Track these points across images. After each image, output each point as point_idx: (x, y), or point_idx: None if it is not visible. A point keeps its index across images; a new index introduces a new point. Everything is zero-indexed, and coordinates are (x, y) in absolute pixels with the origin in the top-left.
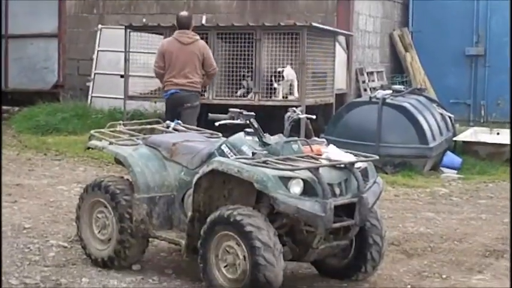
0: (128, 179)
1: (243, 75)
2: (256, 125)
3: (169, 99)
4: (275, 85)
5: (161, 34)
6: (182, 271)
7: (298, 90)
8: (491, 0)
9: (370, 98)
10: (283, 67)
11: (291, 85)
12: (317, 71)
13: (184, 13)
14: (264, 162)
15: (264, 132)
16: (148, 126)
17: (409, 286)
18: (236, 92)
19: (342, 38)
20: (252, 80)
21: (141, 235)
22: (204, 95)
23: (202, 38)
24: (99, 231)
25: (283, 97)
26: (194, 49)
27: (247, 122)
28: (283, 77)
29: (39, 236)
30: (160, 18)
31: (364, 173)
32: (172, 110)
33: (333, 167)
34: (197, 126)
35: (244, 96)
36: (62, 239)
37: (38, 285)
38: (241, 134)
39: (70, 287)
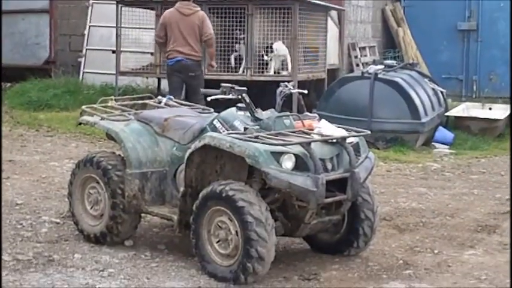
0: (119, 155)
1: (236, 38)
2: (248, 100)
3: (174, 66)
4: (265, 57)
5: (152, 9)
6: (175, 246)
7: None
8: None
9: (362, 73)
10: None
11: (283, 60)
12: (309, 46)
13: None
14: (256, 137)
15: (256, 107)
16: (140, 102)
17: (401, 261)
18: (229, 60)
19: (334, 13)
20: (244, 44)
21: (134, 211)
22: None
23: None
24: (92, 207)
25: (275, 72)
26: (194, 19)
27: (239, 96)
28: (271, 50)
29: (32, 212)
30: None
31: (356, 148)
32: (176, 77)
33: (325, 142)
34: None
35: (236, 62)
36: (54, 215)
37: (30, 261)
38: (233, 109)
39: (63, 263)
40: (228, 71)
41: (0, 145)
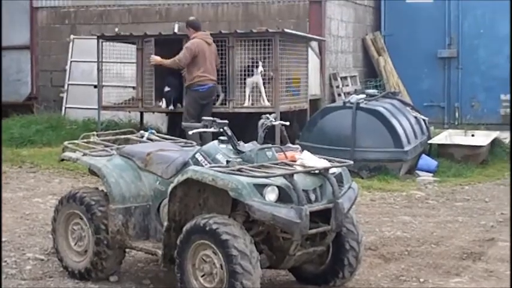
0: (102, 190)
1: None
2: (230, 133)
3: (205, 92)
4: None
5: (133, 43)
6: (160, 281)
7: (270, 96)
8: (463, 1)
9: (344, 102)
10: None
11: (256, 88)
12: (290, 77)
13: (193, 17)
14: (239, 170)
15: (238, 140)
16: (123, 136)
17: None
18: None
19: (314, 44)
20: (223, 85)
21: (118, 246)
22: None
23: (174, 46)
24: (76, 243)
25: (252, 104)
26: (213, 49)
27: (221, 130)
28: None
29: (16, 249)
30: (132, 28)
31: (339, 178)
32: (199, 104)
33: (308, 173)
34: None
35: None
36: (38, 251)
37: None
38: (215, 142)
39: None
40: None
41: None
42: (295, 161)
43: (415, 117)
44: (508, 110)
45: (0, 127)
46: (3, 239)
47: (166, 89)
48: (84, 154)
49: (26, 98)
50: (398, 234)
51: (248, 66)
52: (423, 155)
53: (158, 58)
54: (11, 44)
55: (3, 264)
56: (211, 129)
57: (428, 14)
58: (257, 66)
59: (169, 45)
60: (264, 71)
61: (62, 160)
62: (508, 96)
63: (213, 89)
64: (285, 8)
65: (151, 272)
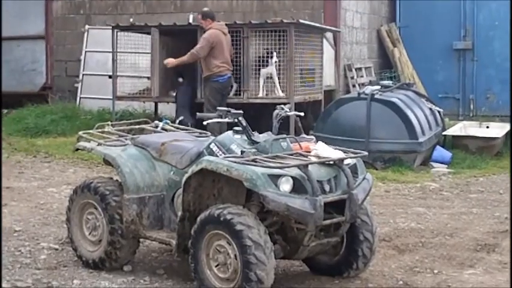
0: (117, 180)
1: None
2: (244, 123)
3: (225, 82)
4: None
5: (148, 33)
6: (173, 271)
7: (284, 87)
8: None
9: (359, 94)
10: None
11: (270, 78)
12: (305, 68)
13: (207, 8)
14: (253, 160)
15: (253, 131)
16: (137, 126)
17: (400, 282)
18: None
19: (329, 35)
20: (237, 76)
21: (132, 236)
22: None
23: (188, 37)
24: (90, 233)
25: (266, 95)
26: (228, 39)
27: (236, 120)
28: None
29: (30, 238)
30: (147, 18)
31: (354, 169)
32: (220, 94)
33: (322, 164)
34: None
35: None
36: (52, 241)
37: None
38: (230, 132)
39: None
40: None
41: (0, 168)
42: (309, 152)
43: (430, 109)
44: None
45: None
46: (18, 229)
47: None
48: (99, 144)
49: (40, 88)
50: (412, 226)
51: (262, 56)
52: (438, 147)
53: (172, 60)
54: (26, 34)
55: (17, 253)
56: (226, 120)
57: (444, 6)
58: (271, 57)
59: (183, 35)
60: (279, 61)
61: (77, 150)
62: None
63: (230, 79)
64: None
65: (165, 262)
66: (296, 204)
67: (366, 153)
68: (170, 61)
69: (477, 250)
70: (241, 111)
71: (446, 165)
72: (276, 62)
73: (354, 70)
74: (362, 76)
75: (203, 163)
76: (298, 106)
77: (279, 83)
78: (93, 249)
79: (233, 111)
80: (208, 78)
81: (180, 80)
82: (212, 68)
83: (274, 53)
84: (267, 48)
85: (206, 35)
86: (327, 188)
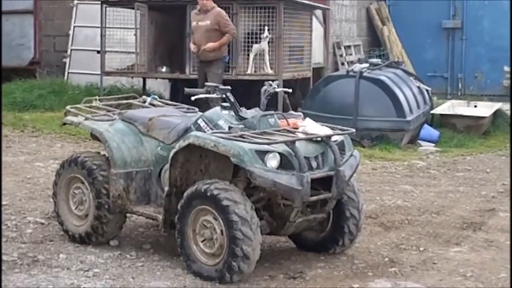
0: (104, 155)
1: None
2: (232, 99)
3: (227, 61)
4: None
5: (132, 8)
6: (160, 246)
7: (273, 64)
8: None
9: (347, 71)
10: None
11: (261, 55)
12: (294, 45)
13: None
14: (241, 136)
15: (241, 107)
16: (125, 102)
17: (386, 259)
18: None
19: (318, 12)
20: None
21: (118, 210)
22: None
23: (178, 12)
24: (76, 207)
25: (254, 71)
26: None
27: (224, 96)
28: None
29: (17, 212)
30: None
31: (341, 146)
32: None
33: (310, 140)
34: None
35: None
36: (39, 215)
37: (15, 261)
38: (218, 108)
39: (48, 264)
40: None
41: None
42: (297, 128)
43: (418, 87)
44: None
45: (0, 93)
46: (4, 203)
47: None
48: (86, 119)
49: (28, 63)
50: (399, 203)
51: (251, 33)
52: (425, 125)
53: (214, 44)
54: (14, 8)
55: (3, 227)
56: (214, 95)
57: None
58: (263, 32)
59: (173, 11)
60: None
61: (64, 124)
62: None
63: None
64: None
65: (152, 236)
66: (283, 180)
67: (353, 130)
68: (212, 45)
69: (463, 228)
70: (229, 87)
71: (433, 144)
72: (267, 36)
73: (342, 48)
74: (351, 54)
75: (190, 138)
76: (286, 83)
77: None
78: (80, 224)
79: (221, 86)
80: (220, 58)
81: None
82: (222, 48)
83: (266, 27)
84: (257, 26)
85: (223, 13)
86: (314, 164)
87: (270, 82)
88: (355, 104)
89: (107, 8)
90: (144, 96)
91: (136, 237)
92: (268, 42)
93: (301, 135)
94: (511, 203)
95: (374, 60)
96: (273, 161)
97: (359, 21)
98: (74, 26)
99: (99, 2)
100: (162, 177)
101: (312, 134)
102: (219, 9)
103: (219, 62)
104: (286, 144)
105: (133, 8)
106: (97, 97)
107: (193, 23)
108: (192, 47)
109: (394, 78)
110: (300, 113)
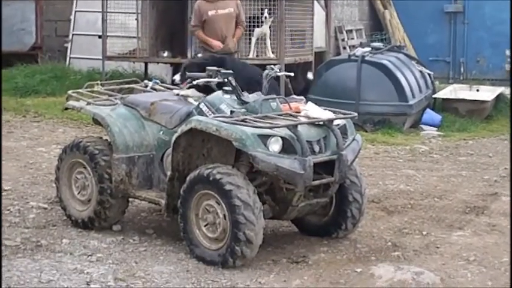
0: (106, 139)
1: None
2: (234, 83)
3: None
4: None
5: None
6: (163, 231)
7: (275, 48)
8: None
9: (349, 55)
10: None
11: (263, 38)
12: (296, 29)
13: None
14: (243, 120)
15: (243, 91)
16: (127, 86)
17: (389, 243)
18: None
19: None
20: None
21: (121, 195)
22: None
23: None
24: (79, 192)
25: (256, 56)
26: None
27: (226, 80)
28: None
29: (19, 198)
30: None
31: (343, 130)
32: None
33: (312, 124)
34: None
35: None
36: (41, 200)
37: (18, 246)
38: (220, 92)
39: (51, 249)
40: None
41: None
42: (299, 112)
43: (420, 72)
44: None
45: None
46: (6, 188)
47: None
48: (88, 103)
49: (30, 48)
50: (401, 188)
51: (253, 18)
52: (428, 109)
53: (233, 41)
54: None
55: (6, 212)
56: (216, 80)
57: None
58: (262, 14)
59: None
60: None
61: (66, 109)
62: None
63: None
64: None
65: (155, 221)
66: (285, 164)
67: (355, 114)
68: (233, 44)
69: (466, 212)
70: (231, 71)
71: (436, 128)
72: (266, 17)
73: (344, 32)
74: (353, 38)
75: (192, 123)
76: (288, 67)
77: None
78: (82, 209)
79: (223, 71)
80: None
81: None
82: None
83: (265, 10)
84: (259, 10)
85: (239, 1)
86: (316, 148)
87: (272, 66)
88: (357, 88)
89: None
90: (145, 81)
91: (139, 222)
92: (270, 27)
93: (303, 119)
94: (511, 188)
95: (376, 44)
96: (275, 145)
97: (361, 6)
98: (76, 11)
99: None
100: (164, 161)
101: (314, 118)
102: None
103: (236, 54)
104: (288, 128)
105: None
106: (99, 82)
107: (211, 13)
108: (217, 43)
109: (396, 63)
110: (302, 97)
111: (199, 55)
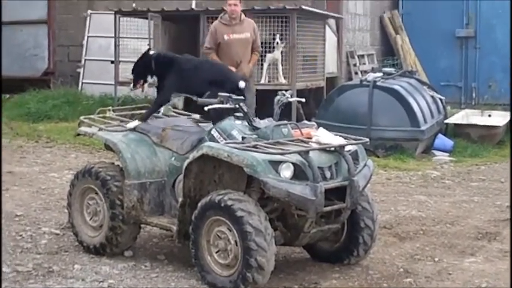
0: (118, 165)
1: None
2: (245, 109)
3: None
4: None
5: (146, 18)
6: (174, 257)
7: (287, 74)
8: None
9: (361, 81)
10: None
11: (275, 64)
12: (307, 55)
13: None
14: (254, 146)
15: (254, 117)
16: (139, 112)
17: (401, 269)
18: None
19: (332, 21)
20: None
21: (133, 221)
22: None
23: (191, 22)
24: (91, 218)
25: (268, 81)
26: None
27: (237, 106)
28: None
29: (31, 223)
30: (149, 3)
31: (355, 156)
32: None
33: (323, 150)
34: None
35: None
36: (54, 226)
37: (30, 272)
38: (231, 118)
39: (62, 274)
40: None
41: (0, 156)
42: (310, 138)
43: (432, 97)
44: None
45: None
46: (19, 213)
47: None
48: (100, 129)
49: (43, 73)
50: (413, 214)
51: (265, 43)
52: (439, 135)
53: (249, 66)
54: (29, 18)
55: (18, 238)
56: (227, 105)
57: None
58: (274, 39)
59: (186, 21)
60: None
61: (78, 135)
62: None
63: None
64: None
65: (166, 247)
66: (297, 190)
67: (366, 139)
68: (249, 70)
69: (478, 238)
70: (242, 97)
71: (448, 154)
72: (278, 43)
73: (356, 57)
74: (364, 63)
75: (204, 149)
76: (300, 93)
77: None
78: (94, 235)
79: (234, 97)
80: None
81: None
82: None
83: (277, 35)
84: (272, 35)
85: (256, 26)
86: (327, 174)
87: (284, 92)
88: (369, 114)
89: (121, 18)
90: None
91: (150, 248)
92: (282, 52)
93: (314, 145)
94: (511, 214)
95: (387, 69)
96: (286, 171)
97: (372, 31)
98: (88, 36)
99: (113, 12)
100: (176, 187)
101: (325, 144)
102: (250, 19)
103: (251, 79)
104: (299, 154)
105: (146, 18)
106: (110, 108)
107: (226, 36)
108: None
109: (408, 88)
110: (314, 123)
111: None
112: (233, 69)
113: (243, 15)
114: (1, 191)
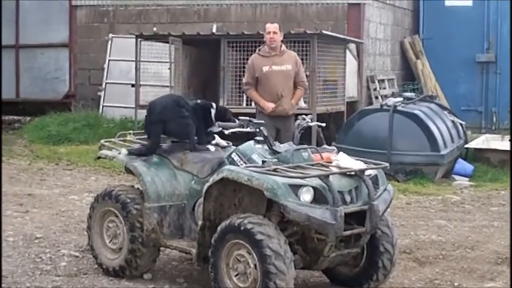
0: (138, 188)
1: None
2: (266, 133)
3: None
4: None
5: (167, 42)
6: (193, 280)
7: (307, 98)
8: (502, 5)
9: (381, 105)
10: None
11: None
12: (328, 79)
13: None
14: (274, 170)
15: (274, 141)
16: None
17: None
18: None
19: (352, 46)
20: None
21: (152, 244)
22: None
23: (212, 46)
24: (110, 241)
25: None
26: None
27: (257, 130)
28: None
29: (51, 245)
30: (170, 27)
31: (375, 180)
32: None
33: (343, 174)
34: None
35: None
36: (73, 248)
37: None
38: (251, 142)
39: None
40: (246, 104)
41: (0, 171)
42: (330, 162)
43: (452, 121)
44: None
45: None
46: (38, 235)
47: None
48: (121, 152)
49: (63, 96)
50: (433, 238)
51: None
52: (459, 159)
53: (295, 101)
54: (50, 42)
55: (38, 260)
56: (248, 129)
57: (467, 18)
58: None
59: (207, 45)
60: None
61: (99, 158)
62: None
63: None
64: (323, 9)
65: (185, 270)
66: (317, 214)
67: (386, 164)
68: (290, 107)
69: (498, 263)
70: (262, 121)
71: (468, 178)
72: None
73: (376, 82)
74: (385, 88)
75: (224, 172)
76: (320, 117)
77: None
78: (114, 257)
79: (255, 120)
80: (294, 112)
81: None
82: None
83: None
84: None
85: (299, 58)
86: (347, 198)
87: (304, 116)
88: (389, 138)
89: (142, 42)
90: None
91: (170, 271)
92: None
93: (334, 169)
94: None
95: (408, 94)
96: (306, 195)
97: (393, 55)
98: (109, 60)
99: (134, 36)
100: (195, 211)
101: (345, 168)
102: (292, 51)
103: (293, 116)
104: (319, 178)
105: (167, 42)
106: (131, 131)
107: (265, 69)
108: (269, 105)
109: (428, 112)
110: (334, 147)
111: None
112: (272, 104)
113: (283, 46)
114: (1, 203)
